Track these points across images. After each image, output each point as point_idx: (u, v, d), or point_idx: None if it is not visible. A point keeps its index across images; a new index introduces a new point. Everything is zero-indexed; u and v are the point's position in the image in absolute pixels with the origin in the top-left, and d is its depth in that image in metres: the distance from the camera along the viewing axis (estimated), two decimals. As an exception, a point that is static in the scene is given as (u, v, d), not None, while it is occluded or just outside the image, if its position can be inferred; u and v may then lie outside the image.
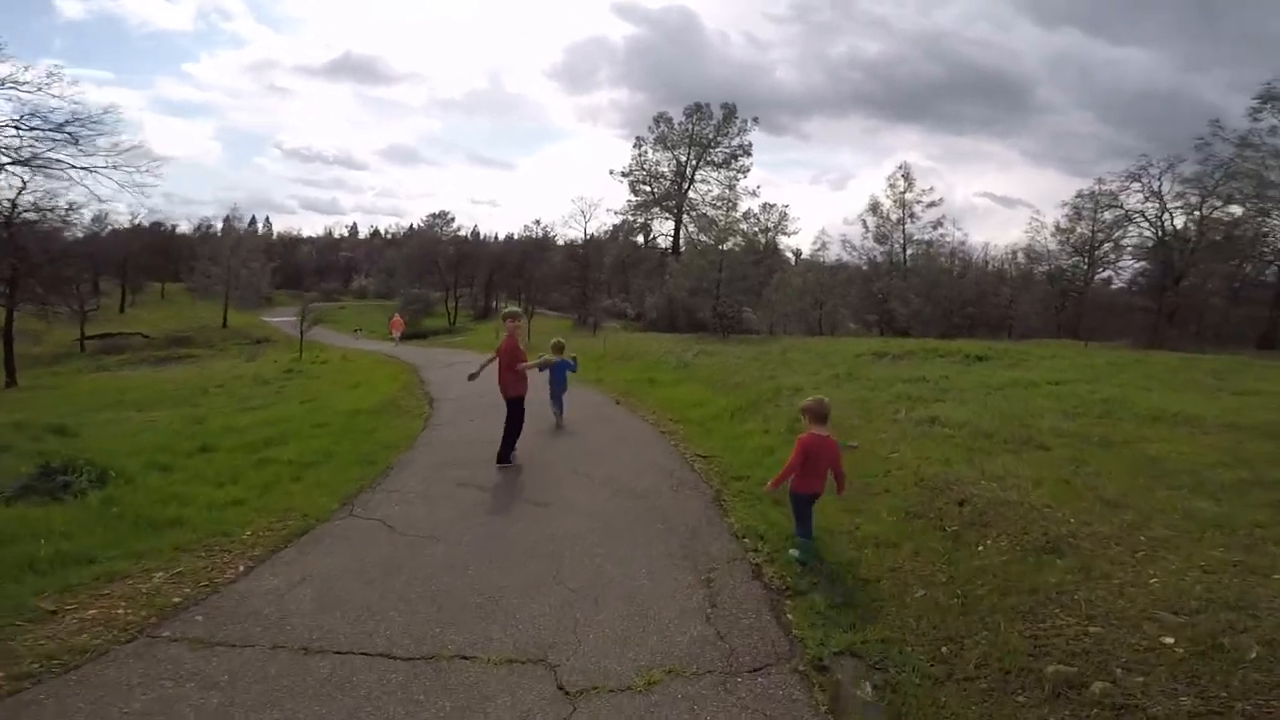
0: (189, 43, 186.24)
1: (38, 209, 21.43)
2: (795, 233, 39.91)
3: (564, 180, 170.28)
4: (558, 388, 9.02)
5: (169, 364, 28.76)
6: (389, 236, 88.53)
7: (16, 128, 19.50)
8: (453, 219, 60.17)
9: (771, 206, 46.80)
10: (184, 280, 51.72)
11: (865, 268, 39.29)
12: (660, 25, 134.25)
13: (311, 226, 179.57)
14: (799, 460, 4.21)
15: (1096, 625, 3.31)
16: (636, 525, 5.09)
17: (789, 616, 3.70)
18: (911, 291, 34.62)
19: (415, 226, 62.66)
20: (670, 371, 14.41)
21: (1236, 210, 28.96)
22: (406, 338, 33.38)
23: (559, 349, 9.20)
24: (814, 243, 40.87)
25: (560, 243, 53.70)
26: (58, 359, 29.31)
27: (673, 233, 52.46)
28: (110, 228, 48.19)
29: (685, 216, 51.90)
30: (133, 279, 49.37)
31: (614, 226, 53.11)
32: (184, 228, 63.17)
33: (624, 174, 52.14)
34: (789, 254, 47.17)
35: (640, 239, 54.26)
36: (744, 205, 48.72)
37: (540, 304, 52.39)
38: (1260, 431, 6.84)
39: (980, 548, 4.30)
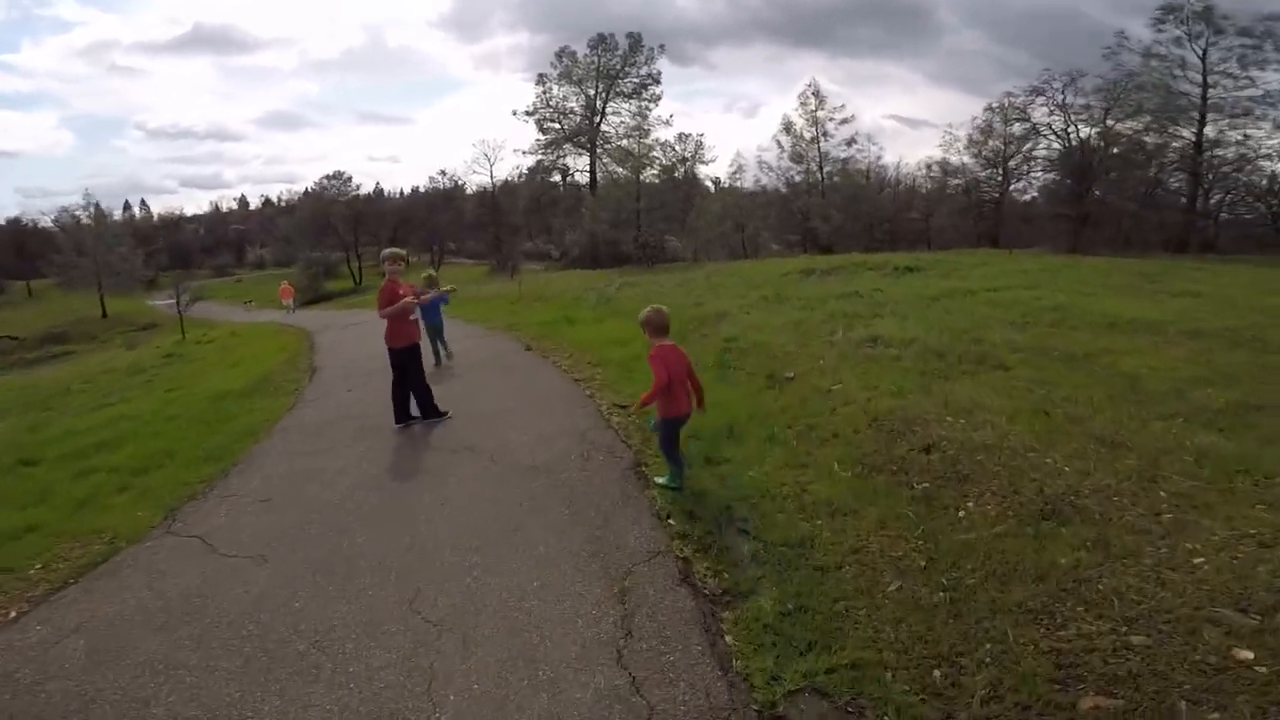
0: (3, 32, 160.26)
1: None
2: (712, 160, 38.53)
3: (470, 130, 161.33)
4: (432, 323, 8.99)
5: (41, 365, 25.50)
6: (282, 204, 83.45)
7: None
8: (349, 178, 56.01)
9: (687, 136, 44.85)
10: (48, 275, 46.76)
11: (784, 189, 38.70)
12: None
13: (196, 204, 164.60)
14: (663, 374, 3.74)
15: (1139, 633, 2.45)
16: (531, 515, 4.03)
17: (727, 639, 2.79)
18: (833, 208, 34.37)
19: (310, 190, 58.21)
20: (591, 309, 13.41)
21: (1138, 123, 29.69)
22: (308, 303, 31.85)
23: (431, 281, 9.34)
24: (730, 166, 39.79)
25: (470, 190, 50.73)
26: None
27: (588, 168, 50.55)
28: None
29: (600, 151, 49.96)
30: None
31: (528, 170, 50.58)
32: (45, 222, 57.65)
33: (528, 113, 49.78)
34: (708, 183, 45.98)
35: (558, 178, 51.89)
36: (657, 134, 46.82)
37: (456, 253, 49.82)
38: (1225, 339, 6.43)
39: (961, 513, 3.44)
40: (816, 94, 38.62)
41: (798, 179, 38.54)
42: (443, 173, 49.94)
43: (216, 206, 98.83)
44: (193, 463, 5.64)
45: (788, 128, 38.09)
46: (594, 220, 31.05)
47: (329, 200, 53.53)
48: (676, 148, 46.21)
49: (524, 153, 50.05)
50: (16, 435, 8.31)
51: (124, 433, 6.94)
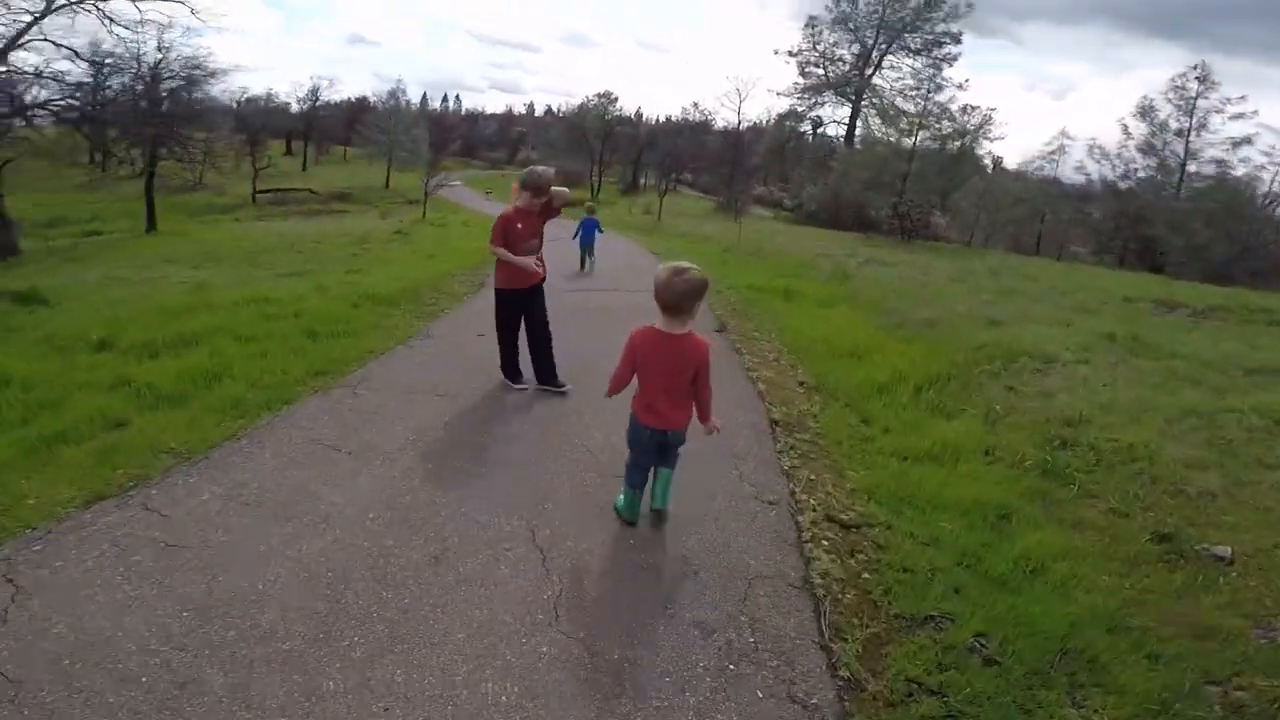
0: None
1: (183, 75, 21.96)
2: (1000, 139, 30.37)
3: (729, 69, 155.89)
4: (585, 242, 10.27)
5: (319, 217, 29.17)
6: (559, 114, 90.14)
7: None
8: (615, 98, 56.90)
9: (974, 108, 36.45)
10: (358, 146, 55.42)
11: (1118, 183, 29.38)
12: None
13: (496, 104, 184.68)
14: (624, 363, 2.69)
15: None
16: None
17: None
18: (1197, 220, 24.93)
19: (583, 104, 61.07)
20: (820, 283, 10.14)
21: None
22: None
23: (590, 211, 10.60)
24: (1047, 144, 30.78)
25: (719, 125, 48.11)
26: (230, 209, 31.00)
27: (846, 120, 45.17)
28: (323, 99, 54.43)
29: (865, 104, 44.09)
30: (321, 143, 55.48)
31: (778, 114, 46.91)
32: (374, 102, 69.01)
33: (791, 54, 45.15)
34: (986, 161, 37.30)
35: (807, 127, 47.08)
36: (946, 97, 38.83)
37: (691, 185, 48.13)
38: None
39: None
40: (1203, 78, 28.54)
41: (1141, 174, 29.03)
42: (695, 104, 48.02)
43: (510, 109, 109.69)
44: (236, 396, 4.08)
45: (1145, 112, 28.59)
46: (845, 177, 26.26)
47: (585, 114, 55.07)
48: (959, 118, 38.44)
49: (778, 94, 46.50)
50: (184, 297, 7.70)
51: (216, 326, 5.67)
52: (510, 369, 4.62)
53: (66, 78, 18.97)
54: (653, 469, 2.91)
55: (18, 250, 16.97)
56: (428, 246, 14.19)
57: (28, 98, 18.69)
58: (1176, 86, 29.00)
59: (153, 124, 20.87)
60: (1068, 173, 30.61)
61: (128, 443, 3.42)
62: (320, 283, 8.55)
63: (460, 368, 4.99)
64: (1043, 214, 24.82)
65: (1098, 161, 29.91)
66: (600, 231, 10.65)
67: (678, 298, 2.53)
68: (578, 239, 10.26)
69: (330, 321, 5.96)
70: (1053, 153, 30.32)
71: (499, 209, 5.40)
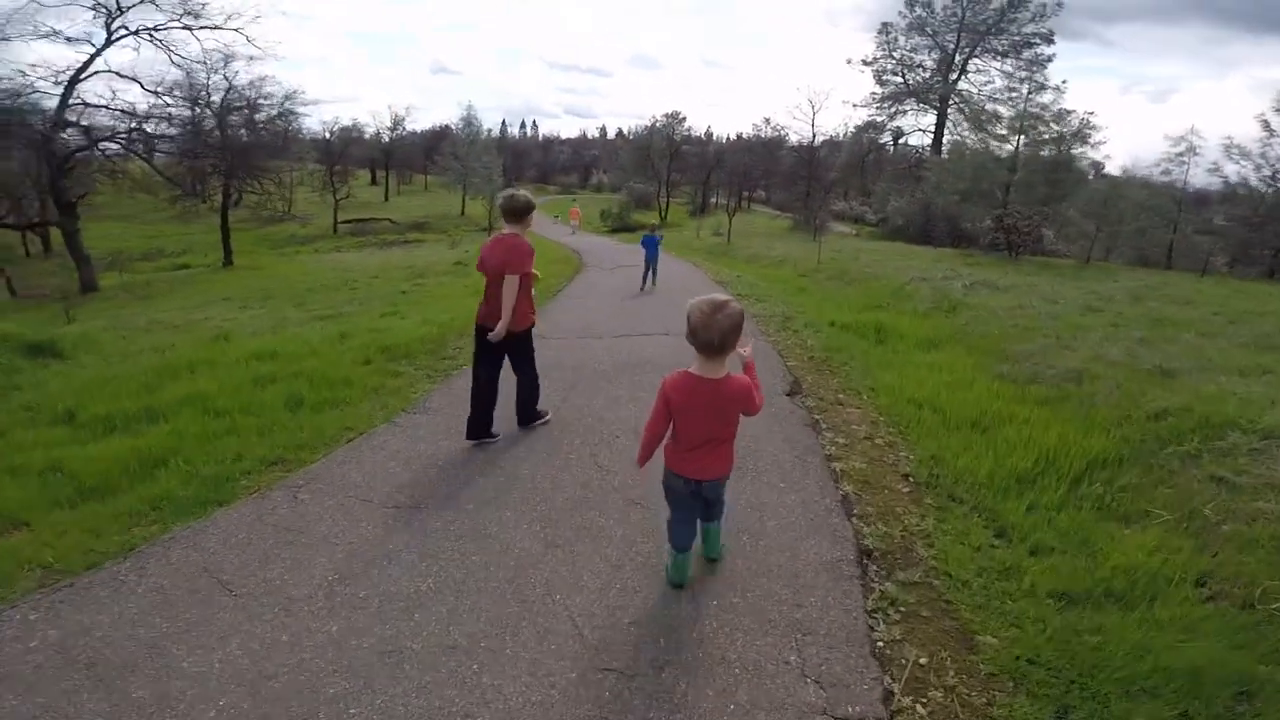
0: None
1: (251, 104, 22.51)
2: (1100, 144, 25.70)
3: (800, 83, 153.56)
4: (650, 260, 10.57)
5: (392, 247, 29.77)
6: (630, 136, 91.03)
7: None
8: (684, 118, 56.21)
9: (1070, 112, 32.55)
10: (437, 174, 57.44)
11: (1265, 187, 25.09)
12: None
13: (569, 129, 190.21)
14: (656, 416, 2.35)
15: None
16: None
17: None
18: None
19: (653, 125, 60.62)
20: (920, 315, 8.46)
21: None
22: (613, 230, 33.37)
23: (653, 228, 11.52)
24: (1174, 144, 26.56)
25: (791, 141, 46.32)
26: (311, 239, 32.34)
27: (934, 127, 42.50)
28: (405, 129, 56.81)
29: (953, 110, 41.09)
30: (402, 172, 57.84)
31: (856, 126, 44.61)
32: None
33: (865, 62, 43.29)
34: (1087, 168, 33.32)
35: (888, 139, 44.45)
36: (1050, 99, 35.36)
37: (765, 202, 46.52)
38: None
39: None
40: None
41: None
42: (766, 120, 46.16)
43: (584, 133, 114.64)
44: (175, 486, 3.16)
45: None
46: (938, 188, 23.69)
47: (655, 134, 54.55)
48: (1054, 124, 34.91)
49: (854, 105, 44.48)
50: (199, 349, 7.15)
51: (197, 394, 4.86)
52: (485, 425, 4.04)
53: (137, 108, 19.56)
54: (698, 524, 2.60)
55: (96, 286, 17.59)
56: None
57: (97, 129, 19.14)
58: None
59: (213, 155, 21.21)
60: (1199, 176, 26.60)
61: (2, 552, 2.81)
62: (347, 329, 7.83)
63: (439, 462, 3.87)
64: (1174, 222, 21.34)
65: (1237, 162, 25.75)
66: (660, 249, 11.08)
67: (722, 336, 2.20)
68: (642, 252, 10.97)
69: (326, 386, 5.12)
70: (1181, 154, 26.46)
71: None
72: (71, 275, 17.51)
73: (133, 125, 19.26)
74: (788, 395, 5.27)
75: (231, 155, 21.46)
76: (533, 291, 4.08)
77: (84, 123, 18.74)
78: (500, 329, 3.78)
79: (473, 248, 23.58)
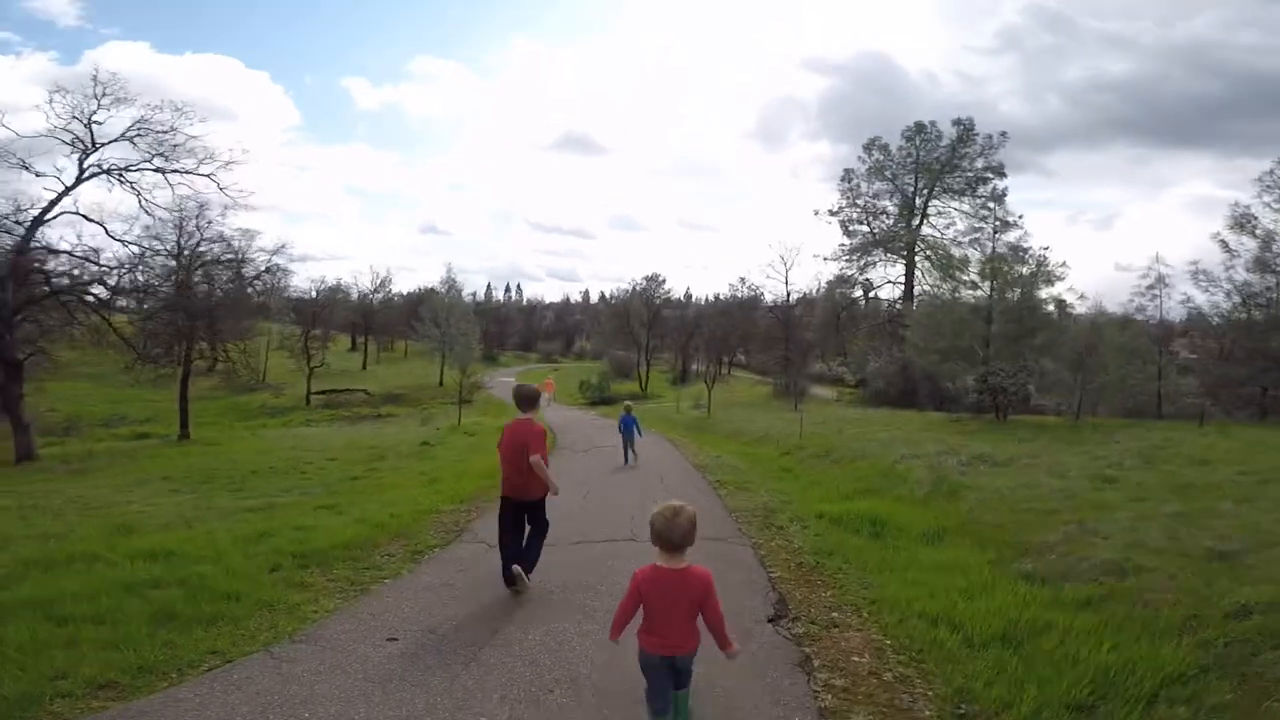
0: (457, 127, 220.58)
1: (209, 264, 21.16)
2: (1060, 279, 24.27)
3: (772, 239, 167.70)
4: (627, 439, 11.21)
5: (364, 421, 28.90)
6: (612, 300, 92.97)
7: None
8: (663, 280, 58.22)
9: (1026, 249, 32.22)
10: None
11: (1243, 315, 23.28)
12: (853, 74, 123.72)
13: (553, 293, 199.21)
14: (629, 600, 2.79)
15: None
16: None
17: None
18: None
19: (633, 289, 62.67)
20: (917, 501, 7.54)
21: None
22: (593, 403, 33.22)
23: (627, 410, 11.72)
24: (1143, 276, 24.26)
25: (767, 299, 47.36)
26: (283, 410, 31.49)
27: (903, 278, 42.85)
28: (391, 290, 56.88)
29: (919, 259, 42.05)
30: (382, 337, 55.80)
31: (827, 282, 45.22)
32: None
33: (832, 212, 43.85)
34: (1050, 307, 31.59)
35: (859, 293, 45.33)
36: (1012, 238, 35.65)
37: (745, 365, 47.03)
38: None
39: None
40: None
41: (1266, 299, 22.81)
42: (741, 280, 47.74)
43: (567, 298, 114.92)
44: None
45: (1242, 223, 22.96)
46: (917, 346, 23.46)
47: (634, 298, 56.28)
48: (1017, 267, 35.59)
49: (824, 259, 44.28)
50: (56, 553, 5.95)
51: (60, 595, 3.76)
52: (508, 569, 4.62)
53: (101, 257, 17.64)
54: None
55: (33, 455, 15.84)
56: (440, 466, 12.56)
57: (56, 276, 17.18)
58: (1267, 185, 23.35)
59: (171, 315, 18.99)
60: (1171, 308, 25.31)
61: None
62: (270, 526, 6.75)
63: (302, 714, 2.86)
64: (1160, 367, 20.84)
65: (1205, 290, 23.56)
66: (639, 433, 11.63)
67: (681, 536, 2.68)
68: (619, 430, 11.57)
69: (210, 598, 4.27)
70: (1151, 286, 24.19)
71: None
72: (8, 442, 15.95)
73: (98, 272, 17.53)
74: (770, 622, 4.19)
75: (192, 315, 19.31)
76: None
77: (47, 267, 17.05)
78: (554, 489, 4.70)
79: (444, 426, 22.70)
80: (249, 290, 22.69)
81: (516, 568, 4.54)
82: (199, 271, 20.98)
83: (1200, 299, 23.78)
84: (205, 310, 20.05)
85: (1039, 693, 2.98)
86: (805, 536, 6.23)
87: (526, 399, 4.83)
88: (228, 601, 4.22)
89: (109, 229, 18.32)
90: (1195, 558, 4.71)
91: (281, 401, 33.42)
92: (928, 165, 41.57)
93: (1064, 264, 22.41)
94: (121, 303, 18.95)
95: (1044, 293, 22.73)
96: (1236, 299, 22.88)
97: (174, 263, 19.91)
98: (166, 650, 3.52)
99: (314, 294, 44.98)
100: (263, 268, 22.38)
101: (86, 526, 7.10)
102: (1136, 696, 2.90)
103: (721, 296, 54.45)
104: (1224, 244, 23.14)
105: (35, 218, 17.00)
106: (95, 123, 18.12)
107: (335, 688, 3.16)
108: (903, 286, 42.54)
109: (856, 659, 3.57)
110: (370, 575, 5.07)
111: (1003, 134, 41.12)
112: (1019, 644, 3.54)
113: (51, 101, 17.64)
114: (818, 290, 46.15)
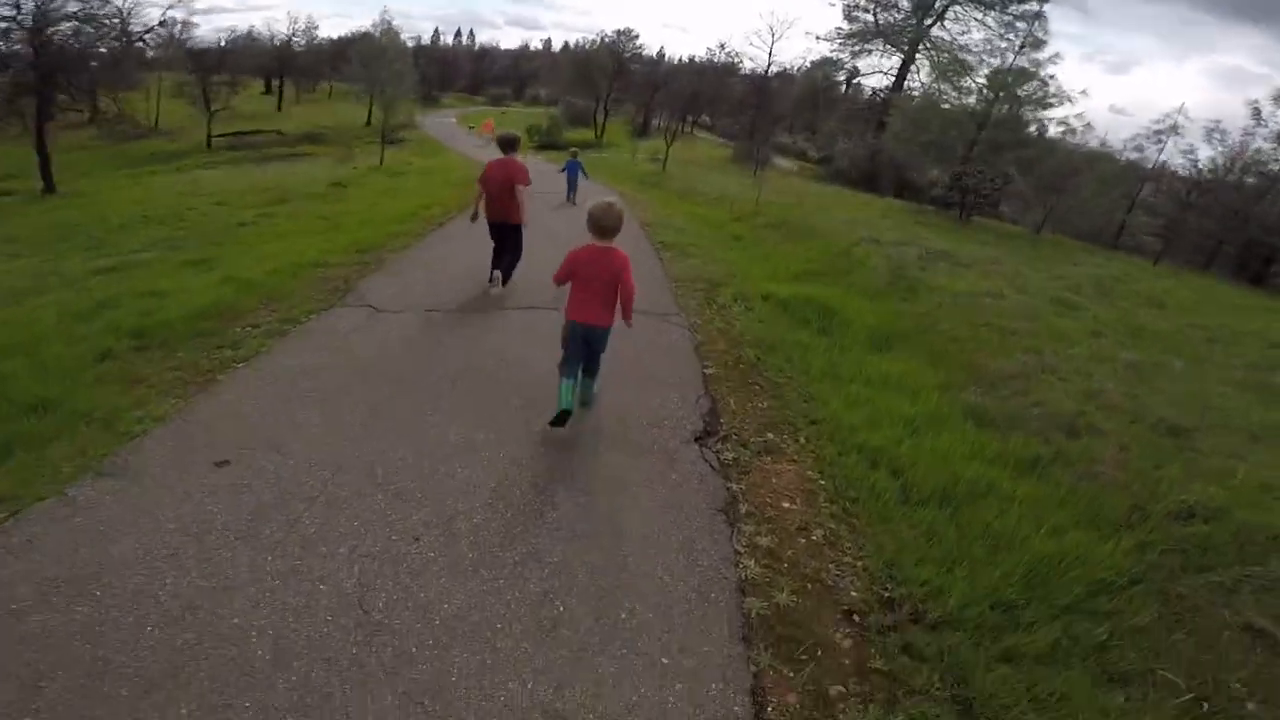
0: None
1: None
2: (1054, 106, 22.63)
3: (763, 8, 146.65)
4: (571, 185, 11.82)
5: (272, 162, 25.60)
6: (576, 50, 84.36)
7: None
8: (636, 36, 51.23)
9: (1034, 73, 29.13)
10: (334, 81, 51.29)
11: (1237, 175, 23.76)
12: None
13: (511, 40, 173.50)
14: (565, 266, 3.45)
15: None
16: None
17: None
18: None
19: (604, 41, 55.63)
20: (872, 294, 6.92)
21: None
22: (542, 147, 30.83)
23: (573, 155, 12.34)
24: (1157, 121, 24.17)
25: (746, 69, 43.18)
26: (178, 156, 27.40)
27: (896, 70, 39.47)
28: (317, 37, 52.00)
29: (921, 57, 38.20)
30: (303, 82, 51.56)
31: (813, 62, 41.43)
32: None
33: None
34: (1033, 130, 30.41)
35: (843, 78, 41.81)
36: (1035, 60, 32.11)
37: (710, 128, 43.83)
38: None
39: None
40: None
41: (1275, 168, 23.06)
42: (721, 45, 42.43)
43: (526, 44, 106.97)
44: None
45: None
46: (897, 137, 21.73)
47: (601, 50, 50.19)
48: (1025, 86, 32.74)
49: (818, 38, 40.59)
50: None
51: None
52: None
53: None
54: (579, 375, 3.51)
55: None
56: (348, 210, 10.96)
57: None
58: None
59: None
60: (1169, 155, 24.95)
61: None
62: (115, 293, 5.53)
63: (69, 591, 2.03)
64: (1131, 204, 20.41)
65: (1215, 148, 23.77)
66: (585, 176, 12.39)
67: (614, 222, 3.40)
68: (564, 173, 12.14)
69: (15, 412, 3.15)
70: (1161, 132, 23.96)
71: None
72: None
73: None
74: (697, 441, 3.60)
75: (44, 71, 17.47)
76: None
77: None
78: (526, 220, 5.57)
79: (363, 165, 20.27)
80: (139, 44, 20.32)
81: (497, 272, 5.63)
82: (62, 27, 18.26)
83: (1204, 155, 24.01)
84: (59, 64, 18.06)
85: (970, 584, 2.58)
86: (748, 321, 5.60)
87: (509, 142, 5.71)
88: (32, 416, 3.13)
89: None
90: (1148, 425, 4.40)
91: (178, 146, 28.90)
92: (957, -36, 35.71)
93: (1083, 91, 21.93)
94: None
95: (1048, 114, 22.05)
96: (1240, 163, 23.12)
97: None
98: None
99: (221, 43, 37.68)
100: (156, 21, 20.17)
101: None
102: (1061, 605, 2.53)
103: (697, 59, 48.87)
104: (1256, 111, 22.83)
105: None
106: None
107: (137, 546, 2.35)
108: (894, 79, 39.31)
109: (787, 505, 3.08)
110: (221, 359, 3.98)
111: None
112: (957, 507, 3.12)
113: None
114: (800, 68, 42.52)
